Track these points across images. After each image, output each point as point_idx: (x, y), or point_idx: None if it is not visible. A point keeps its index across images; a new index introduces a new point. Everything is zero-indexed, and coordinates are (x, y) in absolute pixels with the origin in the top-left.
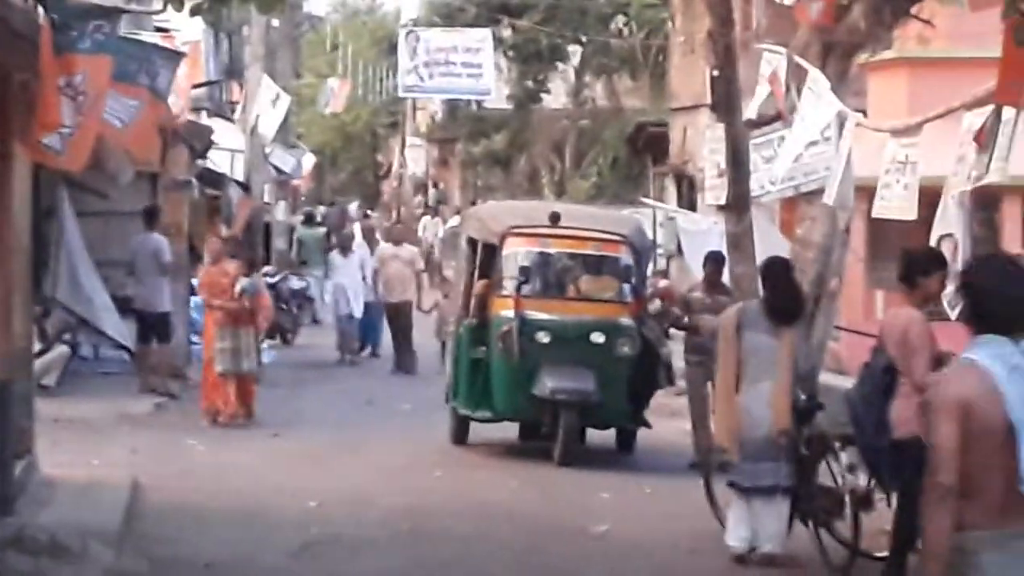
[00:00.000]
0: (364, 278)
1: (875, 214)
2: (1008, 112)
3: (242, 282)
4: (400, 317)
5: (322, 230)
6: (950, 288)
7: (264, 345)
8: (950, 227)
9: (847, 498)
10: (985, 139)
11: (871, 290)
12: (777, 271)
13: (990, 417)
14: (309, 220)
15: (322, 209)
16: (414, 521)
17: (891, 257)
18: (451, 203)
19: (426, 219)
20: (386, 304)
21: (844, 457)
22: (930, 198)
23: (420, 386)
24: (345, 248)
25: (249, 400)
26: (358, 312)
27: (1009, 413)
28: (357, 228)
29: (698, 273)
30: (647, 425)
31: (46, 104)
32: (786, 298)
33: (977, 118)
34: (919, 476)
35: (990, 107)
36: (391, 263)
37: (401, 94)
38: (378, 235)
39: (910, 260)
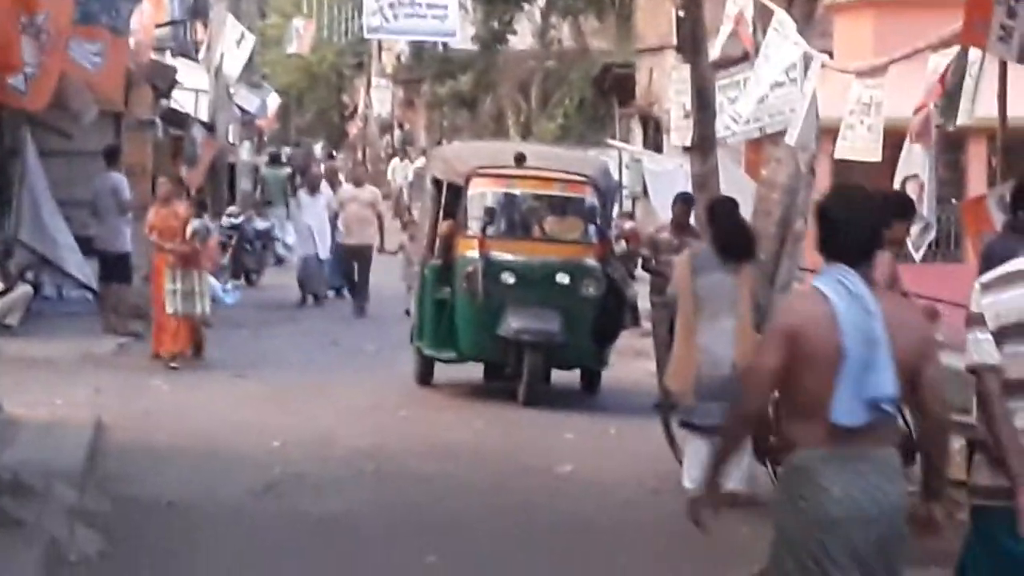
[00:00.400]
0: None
1: (838, 155)
2: (974, 54)
3: (193, 224)
4: (359, 260)
5: (286, 170)
6: (914, 230)
7: (228, 286)
8: (914, 168)
9: None
10: (949, 81)
11: None
12: (721, 210)
13: (824, 342)
14: (274, 160)
15: (287, 150)
16: (378, 461)
17: None
18: (417, 144)
19: (395, 161)
20: (345, 246)
21: None
22: (895, 139)
23: (386, 327)
24: (313, 188)
25: (199, 341)
26: (324, 253)
27: (843, 339)
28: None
29: (664, 214)
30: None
31: (7, 44)
32: (733, 235)
33: (943, 59)
34: None
35: (956, 48)
36: (351, 205)
37: (366, 35)
38: (341, 176)
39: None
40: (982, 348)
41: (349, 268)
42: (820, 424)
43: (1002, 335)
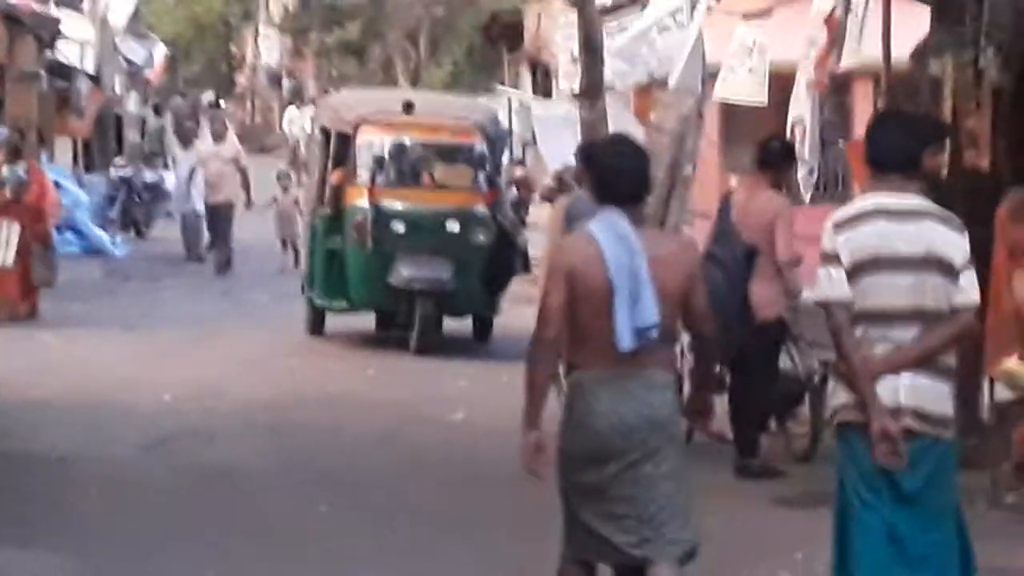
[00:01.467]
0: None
1: (716, 96)
2: None
3: (2, 172)
4: (219, 219)
5: (163, 122)
6: (801, 172)
7: (117, 239)
8: (800, 110)
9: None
10: (836, 24)
11: (725, 175)
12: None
13: (593, 280)
14: (158, 112)
15: (178, 100)
16: (270, 412)
17: (745, 142)
18: (306, 94)
19: (290, 110)
20: (207, 205)
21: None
22: (783, 83)
23: (276, 279)
24: (186, 140)
25: (32, 297)
26: (201, 207)
27: (610, 276)
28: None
29: (552, 161)
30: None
31: None
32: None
33: (827, 3)
34: (775, 355)
35: None
36: (212, 161)
37: None
38: (230, 125)
39: (768, 149)
40: (834, 283)
41: (210, 227)
42: (597, 350)
43: (856, 270)
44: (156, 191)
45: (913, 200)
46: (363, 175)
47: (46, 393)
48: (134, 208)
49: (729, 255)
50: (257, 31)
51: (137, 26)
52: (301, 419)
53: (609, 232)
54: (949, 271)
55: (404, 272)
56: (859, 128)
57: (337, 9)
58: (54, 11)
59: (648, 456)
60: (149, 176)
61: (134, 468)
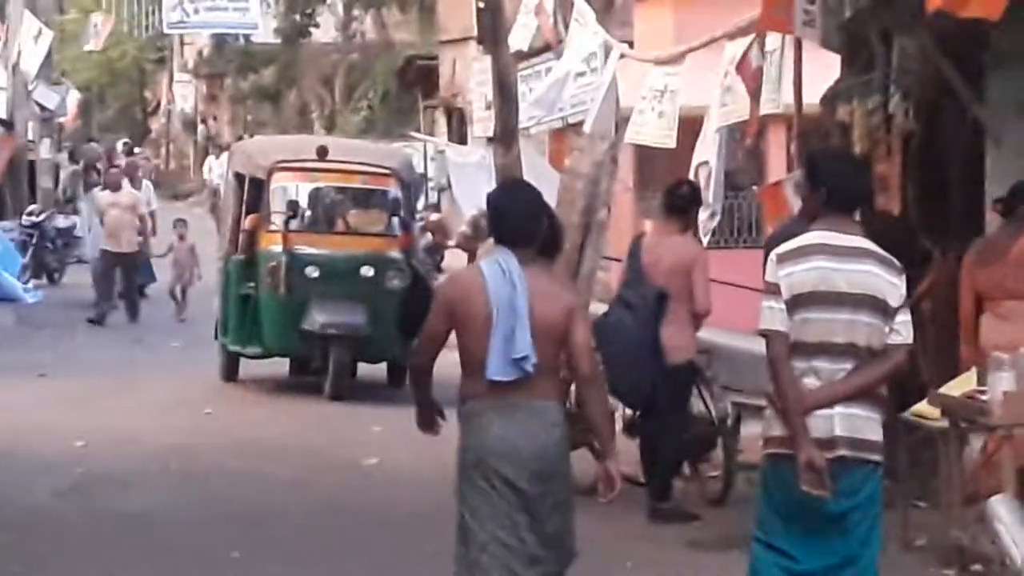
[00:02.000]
0: (152, 215)
1: (627, 139)
2: (774, 42)
3: None
4: (123, 267)
5: (74, 167)
6: (702, 216)
7: (29, 285)
8: (706, 155)
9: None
10: (747, 68)
11: (640, 219)
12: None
13: (476, 309)
14: (73, 157)
15: (93, 146)
16: (183, 459)
17: (659, 187)
18: (222, 139)
19: (211, 159)
20: (109, 254)
21: None
22: (693, 127)
23: (190, 325)
24: (113, 187)
25: None
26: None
27: (491, 308)
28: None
29: (466, 207)
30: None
31: None
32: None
33: (739, 47)
34: (687, 399)
35: (751, 36)
36: (111, 211)
37: (166, 30)
38: (140, 173)
39: (677, 194)
40: (775, 316)
41: (110, 275)
42: (480, 380)
43: (795, 303)
44: (68, 236)
45: (855, 239)
46: (277, 220)
47: None
48: (46, 255)
49: (639, 299)
50: (171, 77)
51: (50, 72)
52: (215, 465)
53: (495, 268)
54: (885, 311)
55: (318, 317)
56: (773, 172)
57: (252, 54)
58: None
59: (538, 491)
60: (61, 222)
61: (47, 515)
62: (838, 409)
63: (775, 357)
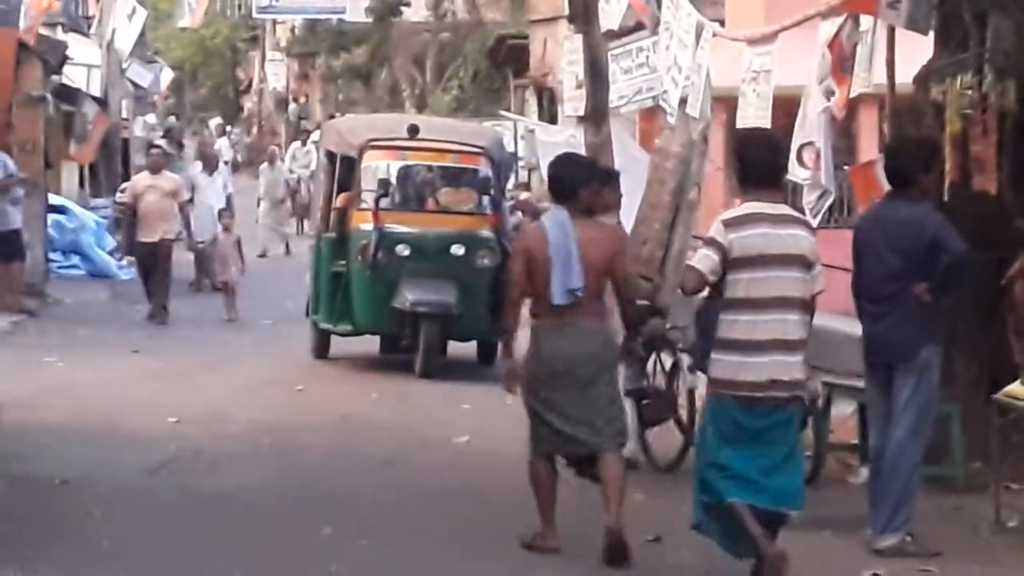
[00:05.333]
0: (228, 199)
1: (739, 124)
2: (866, 22)
3: None
4: (156, 259)
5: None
6: (811, 196)
7: (123, 262)
8: (811, 135)
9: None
10: (839, 47)
11: (730, 199)
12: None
13: (539, 254)
14: (168, 136)
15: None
16: (275, 436)
17: None
18: (312, 118)
19: (295, 146)
20: (140, 244)
21: (685, 359)
22: (787, 107)
23: (280, 302)
24: (211, 168)
25: None
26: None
27: (550, 252)
28: (224, 144)
29: None
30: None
31: None
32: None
33: (832, 26)
34: None
35: (844, 15)
36: (147, 195)
37: (256, 15)
38: (223, 156)
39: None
40: (705, 261)
41: (143, 270)
42: (545, 305)
43: (742, 264)
44: None
45: (781, 207)
46: (368, 198)
47: (51, 416)
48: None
49: None
50: (264, 55)
51: (144, 50)
52: (306, 442)
53: (553, 222)
54: (809, 266)
55: (409, 295)
56: (865, 153)
57: (344, 34)
58: (61, 35)
59: (588, 381)
60: None
61: (138, 491)
62: (771, 356)
63: (685, 287)
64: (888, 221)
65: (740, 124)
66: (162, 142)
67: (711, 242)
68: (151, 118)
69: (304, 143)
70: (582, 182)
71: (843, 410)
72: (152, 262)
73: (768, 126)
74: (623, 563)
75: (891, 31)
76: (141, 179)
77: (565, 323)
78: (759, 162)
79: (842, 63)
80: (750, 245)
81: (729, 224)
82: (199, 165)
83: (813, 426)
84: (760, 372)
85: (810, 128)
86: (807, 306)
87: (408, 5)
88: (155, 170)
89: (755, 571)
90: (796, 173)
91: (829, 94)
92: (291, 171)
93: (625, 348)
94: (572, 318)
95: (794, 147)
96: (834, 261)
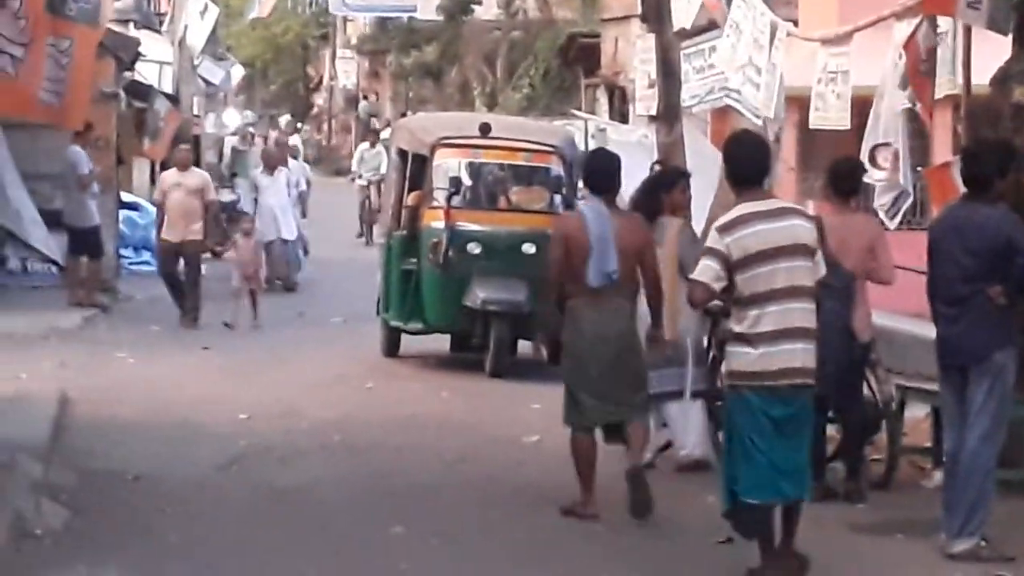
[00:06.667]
0: (301, 195)
1: (812, 125)
2: (945, 23)
3: None
4: (185, 259)
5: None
6: (888, 197)
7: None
8: (886, 136)
9: None
10: (914, 49)
11: (802, 199)
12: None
13: (579, 240)
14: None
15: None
16: (345, 433)
17: (822, 167)
18: (382, 116)
19: (363, 148)
20: (164, 244)
21: None
22: (860, 107)
23: (350, 300)
24: (271, 167)
25: None
26: (288, 234)
27: (590, 239)
28: (296, 141)
29: (626, 186)
30: None
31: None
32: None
33: (908, 27)
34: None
35: (919, 16)
36: (172, 193)
37: (331, 10)
38: (292, 153)
39: (856, 172)
40: (707, 271)
41: (172, 268)
42: (581, 286)
43: (743, 264)
44: (232, 211)
45: (773, 202)
46: (439, 196)
47: (122, 411)
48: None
49: (838, 283)
50: (334, 53)
51: (215, 47)
52: (376, 439)
53: (591, 211)
54: (809, 253)
55: (480, 293)
56: (939, 154)
57: (415, 32)
58: (133, 32)
59: (617, 356)
60: (226, 196)
61: (209, 487)
62: (799, 344)
63: (692, 300)
64: (964, 223)
65: (817, 125)
66: (234, 139)
67: (709, 251)
68: (231, 115)
69: (373, 144)
70: (615, 176)
71: (916, 413)
72: (175, 263)
73: (847, 127)
74: (646, 502)
75: (967, 32)
76: (169, 176)
77: (600, 303)
78: (746, 162)
79: (919, 65)
80: (747, 245)
81: (722, 229)
82: (260, 166)
83: (887, 429)
84: (773, 361)
85: (886, 129)
86: (814, 294)
87: (479, 3)
88: (183, 167)
89: (758, 570)
90: (871, 175)
91: (913, 101)
92: (360, 175)
93: (651, 336)
94: (606, 299)
95: (866, 148)
96: (906, 263)
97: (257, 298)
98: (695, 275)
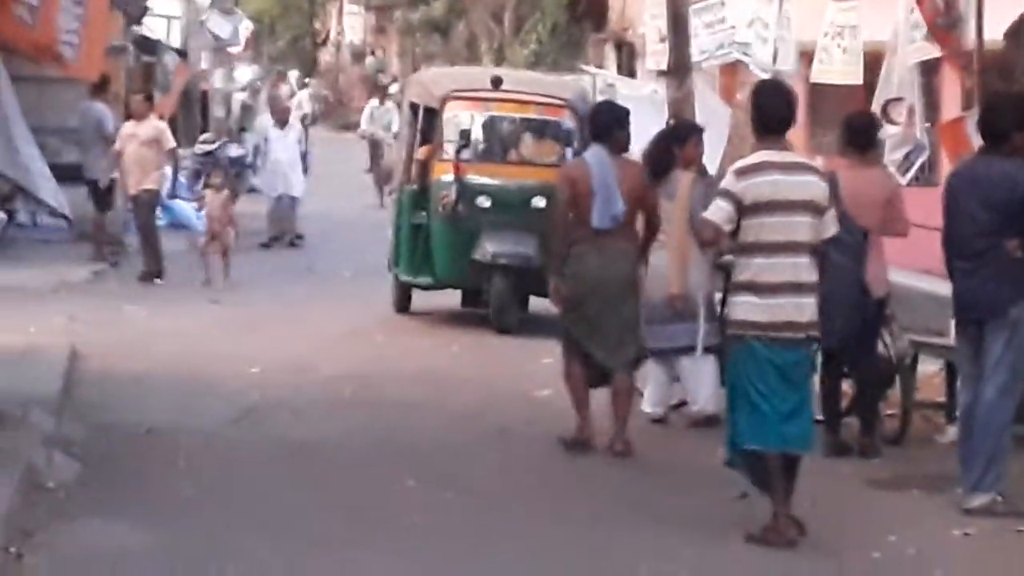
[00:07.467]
0: (305, 154)
1: (814, 78)
2: None
3: None
4: (140, 210)
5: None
6: (899, 153)
7: (201, 213)
8: (900, 91)
9: None
10: (929, 4)
11: (811, 155)
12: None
13: (584, 185)
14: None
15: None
16: (356, 387)
17: (831, 122)
18: (389, 71)
19: (372, 104)
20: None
21: None
22: (870, 63)
23: (362, 254)
24: (282, 122)
25: None
26: (296, 191)
27: (593, 184)
28: (304, 97)
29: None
30: None
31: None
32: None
33: None
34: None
35: None
36: (128, 144)
37: None
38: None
39: (869, 127)
40: (719, 212)
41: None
42: (586, 228)
43: (754, 211)
44: (240, 166)
45: (791, 155)
46: (449, 149)
47: (133, 365)
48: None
49: (847, 235)
50: (341, 8)
51: (223, 2)
52: (387, 394)
53: (595, 158)
54: (818, 211)
55: (489, 247)
56: (946, 108)
57: None
58: None
59: (617, 298)
60: (234, 151)
61: (221, 440)
62: (792, 297)
63: (701, 238)
64: (980, 177)
65: (822, 80)
66: (242, 95)
67: (724, 193)
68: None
69: (382, 101)
70: (617, 123)
71: (929, 368)
72: (135, 213)
73: (859, 83)
74: (626, 447)
75: None
76: (126, 126)
77: (605, 245)
78: (774, 110)
79: (937, 19)
80: (760, 192)
81: (740, 173)
82: (268, 118)
83: (900, 384)
84: (776, 313)
85: (901, 84)
86: (817, 250)
87: None
88: (139, 117)
89: (769, 526)
90: (885, 130)
91: (931, 55)
92: (370, 133)
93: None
94: (612, 240)
95: (878, 102)
96: (915, 220)
97: (228, 257)
98: (707, 214)
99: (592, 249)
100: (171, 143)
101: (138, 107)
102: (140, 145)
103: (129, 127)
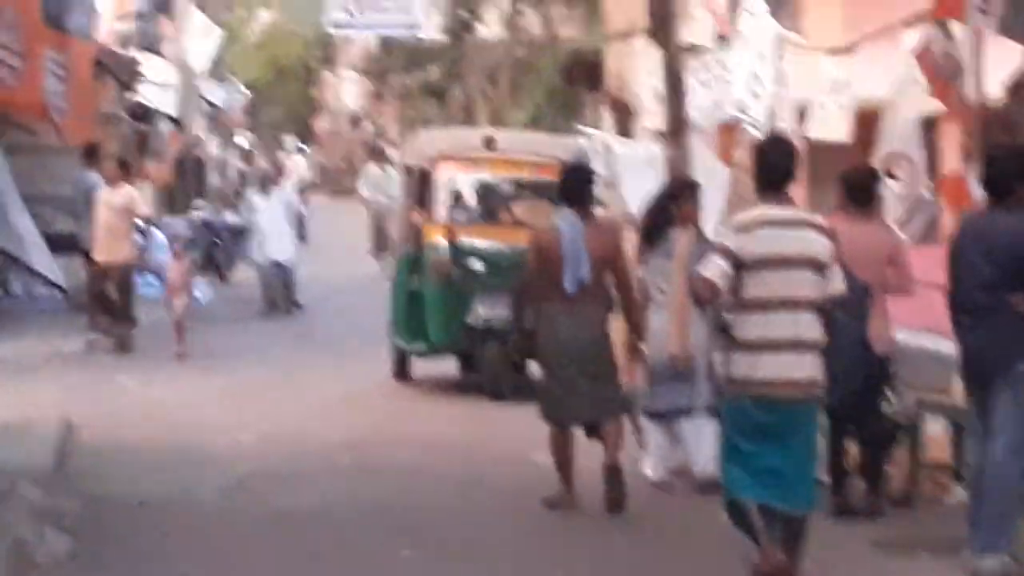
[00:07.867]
0: (302, 219)
1: (808, 133)
2: (960, 30)
3: None
4: (114, 282)
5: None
6: (901, 210)
7: (198, 281)
8: (904, 147)
9: None
10: (928, 57)
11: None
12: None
13: (553, 251)
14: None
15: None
16: (353, 455)
17: (830, 180)
18: (387, 136)
19: (370, 168)
20: (93, 265)
21: None
22: (868, 120)
23: (360, 319)
24: (264, 187)
25: None
26: (284, 256)
27: (563, 249)
28: (298, 161)
29: (633, 202)
30: None
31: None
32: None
33: (917, 39)
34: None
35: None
36: (101, 211)
37: (331, 30)
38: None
39: (869, 182)
40: (714, 268)
41: (97, 288)
42: (555, 292)
43: (751, 267)
44: (238, 234)
45: (791, 211)
46: (442, 212)
47: (127, 436)
48: (215, 251)
49: (851, 294)
50: (337, 74)
51: (218, 69)
52: (384, 462)
53: (565, 223)
54: (820, 268)
55: (482, 312)
56: (946, 163)
57: (418, 52)
58: (135, 54)
59: (590, 359)
60: (230, 219)
61: (215, 511)
62: (782, 356)
63: (697, 295)
64: (984, 231)
65: (817, 135)
66: (239, 163)
67: (720, 248)
68: (240, 137)
69: (379, 164)
70: (586, 186)
71: (933, 427)
72: (102, 282)
73: (848, 139)
74: (620, 498)
75: (977, 40)
76: (101, 193)
77: (574, 309)
78: (775, 164)
79: (936, 71)
80: (758, 248)
81: (738, 229)
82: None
83: (908, 445)
84: (773, 370)
85: (903, 139)
86: (819, 307)
87: (482, 22)
88: (112, 182)
89: (755, 570)
90: (887, 185)
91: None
92: (374, 201)
93: (629, 346)
94: (581, 304)
95: (880, 158)
96: (924, 278)
97: (183, 325)
98: (702, 269)
99: (562, 312)
100: (142, 210)
101: (110, 173)
102: (109, 212)
103: (104, 193)
